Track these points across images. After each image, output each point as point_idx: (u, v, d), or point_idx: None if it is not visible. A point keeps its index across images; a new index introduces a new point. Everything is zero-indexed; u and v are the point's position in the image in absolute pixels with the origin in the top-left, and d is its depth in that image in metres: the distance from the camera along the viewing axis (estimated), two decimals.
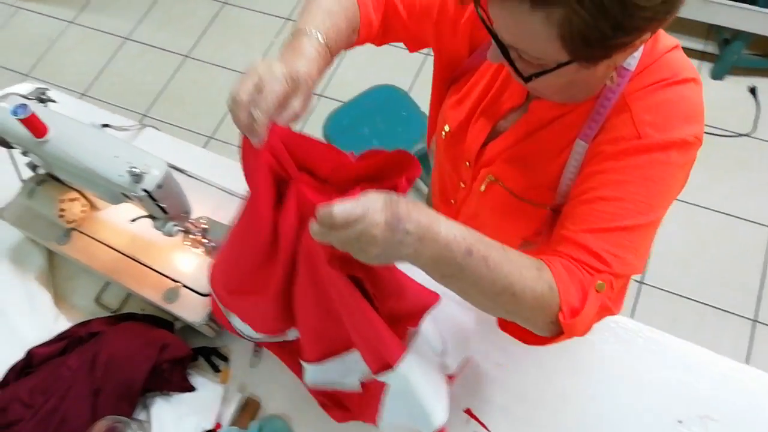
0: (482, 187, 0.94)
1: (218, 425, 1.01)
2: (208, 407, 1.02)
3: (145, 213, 0.98)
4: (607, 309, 0.74)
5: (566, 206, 0.81)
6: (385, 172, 0.69)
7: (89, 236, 1.12)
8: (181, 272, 1.06)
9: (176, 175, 0.94)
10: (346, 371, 0.88)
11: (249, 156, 0.70)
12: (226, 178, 1.16)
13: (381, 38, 0.94)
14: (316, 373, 0.91)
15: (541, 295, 0.68)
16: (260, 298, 0.84)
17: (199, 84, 2.63)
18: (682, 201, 2.03)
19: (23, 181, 1.10)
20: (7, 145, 1.03)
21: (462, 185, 1.02)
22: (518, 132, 0.88)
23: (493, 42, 0.70)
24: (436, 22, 0.90)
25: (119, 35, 2.83)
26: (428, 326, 0.83)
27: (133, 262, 1.08)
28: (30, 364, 1.07)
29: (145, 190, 0.89)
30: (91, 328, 1.09)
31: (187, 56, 2.72)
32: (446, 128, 0.98)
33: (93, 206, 1.13)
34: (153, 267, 1.07)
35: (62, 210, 1.06)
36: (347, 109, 1.82)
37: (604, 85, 0.77)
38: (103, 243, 1.11)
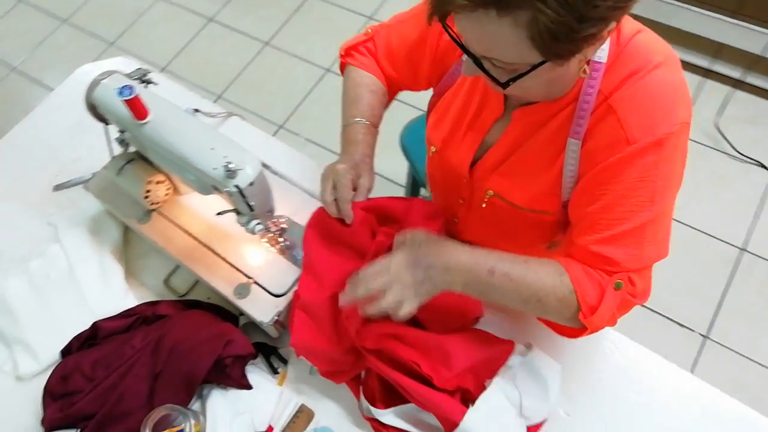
0: (483, 204, 0.96)
1: (270, 428, 1.00)
2: (263, 408, 1.01)
3: (231, 207, 0.97)
4: (628, 303, 0.81)
5: (572, 214, 0.87)
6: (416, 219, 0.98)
7: (169, 219, 1.12)
8: (254, 268, 1.06)
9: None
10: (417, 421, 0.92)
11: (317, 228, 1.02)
12: (305, 177, 1.16)
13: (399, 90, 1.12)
14: (386, 417, 0.92)
15: (563, 297, 0.79)
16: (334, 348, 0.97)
17: (276, 73, 2.65)
18: None
19: (113, 156, 1.12)
20: (104, 121, 1.05)
21: (461, 201, 1.03)
22: (507, 143, 0.89)
23: (465, 56, 0.74)
24: (415, 61, 1.01)
25: (204, 15, 2.87)
26: (505, 379, 0.89)
27: (208, 251, 1.09)
28: (95, 335, 1.09)
29: (237, 187, 0.89)
30: (158, 309, 1.10)
31: (267, 44, 2.75)
32: (432, 149, 1.01)
33: (177, 190, 1.14)
34: (228, 259, 1.07)
35: (148, 191, 1.07)
36: (420, 121, 1.79)
37: (580, 79, 0.78)
38: (181, 228, 1.11)
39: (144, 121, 0.94)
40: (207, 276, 1.06)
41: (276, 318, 1.00)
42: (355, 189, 0.97)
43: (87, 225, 1.22)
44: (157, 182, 1.08)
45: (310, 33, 2.76)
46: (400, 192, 2.16)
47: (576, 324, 0.82)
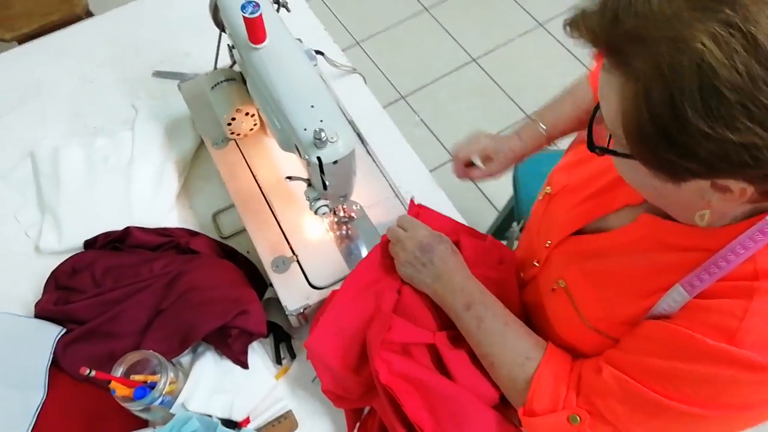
0: (553, 287, 0.78)
1: (247, 420, 0.88)
2: (249, 395, 0.89)
3: (305, 176, 0.85)
4: None
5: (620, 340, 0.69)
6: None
7: (243, 155, 1.02)
8: (303, 246, 0.93)
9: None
10: None
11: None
12: (400, 169, 1.01)
13: None
14: None
15: (514, 381, 0.74)
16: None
17: (423, 42, 2.50)
18: None
19: (215, 69, 1.01)
20: (222, 28, 0.94)
21: (536, 263, 0.85)
22: (618, 239, 0.71)
23: None
24: None
25: None
26: None
27: (266, 205, 0.97)
28: (123, 239, 1.01)
29: (319, 160, 0.75)
30: (193, 242, 1.00)
31: (425, 9, 2.59)
32: (548, 189, 0.86)
33: (263, 130, 1.02)
34: (281, 223, 0.95)
35: (233, 118, 0.96)
36: (548, 157, 1.59)
37: (733, 231, 0.58)
38: (250, 169, 1.00)
39: (257, 46, 0.82)
40: (254, 231, 0.95)
41: (302, 310, 0.88)
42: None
43: (166, 123, 1.13)
44: (247, 113, 0.97)
45: (471, 16, 2.58)
46: (492, 215, 1.97)
47: (515, 410, 0.76)
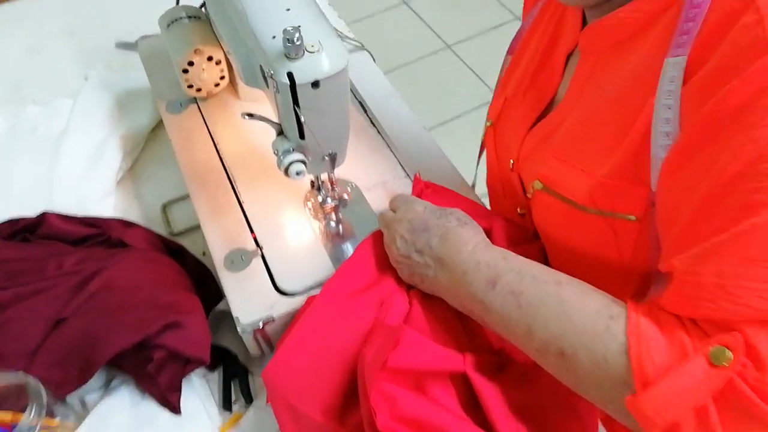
0: (529, 195, 0.60)
1: None
2: None
3: (273, 118, 0.58)
4: (748, 403, 0.38)
5: (660, 212, 0.46)
6: None
7: (204, 120, 0.76)
8: (272, 236, 0.65)
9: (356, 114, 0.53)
10: None
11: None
12: (412, 146, 0.74)
13: None
14: None
15: (604, 361, 0.42)
16: None
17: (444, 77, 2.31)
18: None
19: (175, 5, 0.78)
20: None
21: (519, 211, 0.66)
22: (575, 92, 0.55)
23: None
24: None
25: None
26: None
27: (227, 181, 0.70)
28: (35, 228, 0.74)
29: (291, 77, 0.49)
30: (128, 235, 0.72)
31: (449, 47, 2.42)
32: (488, 123, 0.69)
33: (233, 86, 0.77)
34: (244, 204, 0.68)
35: (191, 63, 0.71)
36: None
37: None
38: (212, 137, 0.74)
39: None
40: (206, 216, 0.68)
41: (262, 324, 0.59)
42: None
43: (119, 95, 0.89)
44: (210, 58, 0.72)
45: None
46: None
47: (619, 411, 0.43)
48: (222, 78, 0.74)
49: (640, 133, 0.46)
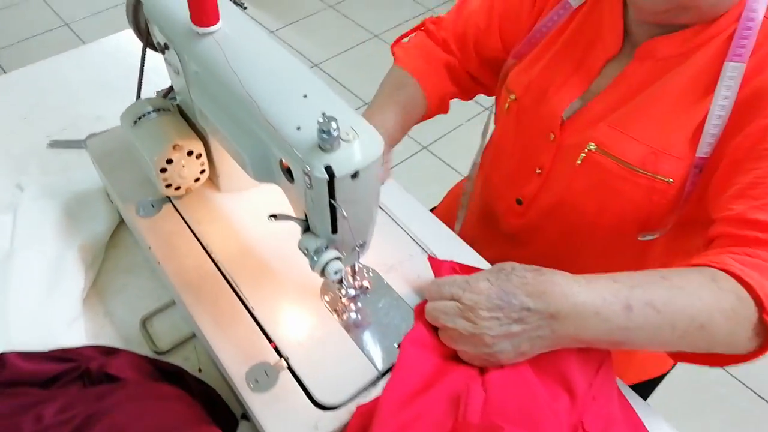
0: (579, 160, 0.71)
1: None
2: None
3: (297, 214, 0.52)
4: None
5: (714, 183, 0.62)
6: None
7: (185, 221, 0.68)
8: (296, 344, 0.58)
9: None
10: None
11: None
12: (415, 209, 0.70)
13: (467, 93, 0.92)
14: None
15: (732, 310, 0.53)
16: None
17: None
18: None
19: (137, 100, 0.70)
20: (146, 34, 0.64)
21: (538, 171, 0.77)
22: (625, 87, 0.69)
23: None
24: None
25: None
26: None
27: (228, 288, 0.62)
28: None
29: (330, 172, 0.44)
30: (111, 364, 0.62)
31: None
32: (511, 97, 0.78)
33: (214, 178, 0.70)
34: (255, 312, 0.60)
35: (169, 161, 0.64)
36: None
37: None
38: (199, 240, 0.66)
39: (207, 29, 0.53)
40: (212, 331, 0.59)
41: None
42: None
43: (66, 201, 0.79)
44: (190, 153, 0.65)
45: None
46: None
47: (752, 344, 0.55)
48: (202, 172, 0.67)
49: (697, 117, 0.62)
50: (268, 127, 0.48)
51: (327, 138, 0.44)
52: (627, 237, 0.72)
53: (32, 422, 0.56)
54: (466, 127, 2.23)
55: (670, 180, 0.64)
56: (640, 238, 0.70)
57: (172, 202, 0.70)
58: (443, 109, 0.90)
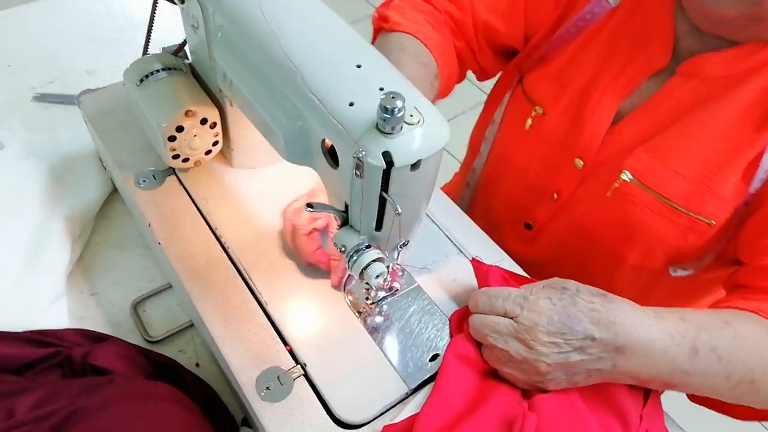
0: (609, 192, 0.64)
1: None
2: None
3: (335, 204, 0.45)
4: None
5: (762, 221, 0.56)
6: None
7: (191, 197, 0.60)
8: (315, 349, 0.51)
9: None
10: None
11: None
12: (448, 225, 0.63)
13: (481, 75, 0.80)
14: None
15: None
16: None
17: None
18: None
19: (142, 56, 0.62)
20: None
21: (555, 196, 0.70)
22: (666, 105, 0.61)
23: None
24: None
25: None
26: None
27: (238, 278, 0.55)
28: None
29: (388, 160, 0.37)
30: (97, 354, 0.55)
31: None
32: (538, 110, 0.69)
33: (227, 151, 0.62)
34: (268, 309, 0.53)
35: (180, 128, 0.56)
36: None
37: None
38: (206, 219, 0.59)
39: None
40: (217, 326, 0.52)
41: None
42: None
43: (52, 164, 0.70)
44: (203, 121, 0.56)
45: None
46: None
47: None
48: (215, 144, 0.59)
49: (752, 152, 0.55)
50: (312, 100, 0.40)
51: (389, 118, 0.36)
52: (650, 272, 0.66)
53: (2, 417, 0.48)
54: (470, 116, 2.15)
55: (713, 222, 0.59)
56: (672, 273, 0.65)
57: (176, 175, 0.62)
58: (446, 92, 0.77)
